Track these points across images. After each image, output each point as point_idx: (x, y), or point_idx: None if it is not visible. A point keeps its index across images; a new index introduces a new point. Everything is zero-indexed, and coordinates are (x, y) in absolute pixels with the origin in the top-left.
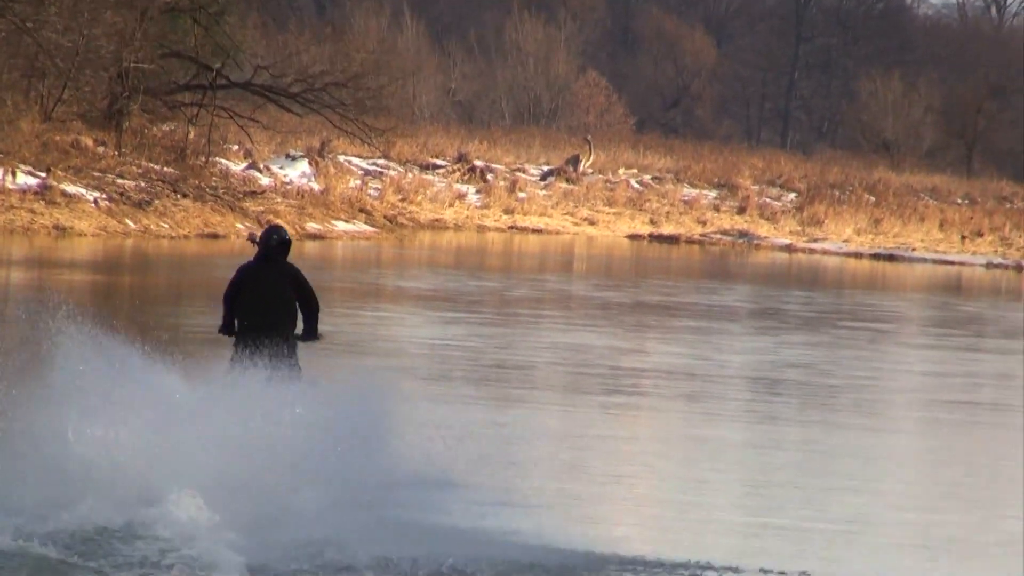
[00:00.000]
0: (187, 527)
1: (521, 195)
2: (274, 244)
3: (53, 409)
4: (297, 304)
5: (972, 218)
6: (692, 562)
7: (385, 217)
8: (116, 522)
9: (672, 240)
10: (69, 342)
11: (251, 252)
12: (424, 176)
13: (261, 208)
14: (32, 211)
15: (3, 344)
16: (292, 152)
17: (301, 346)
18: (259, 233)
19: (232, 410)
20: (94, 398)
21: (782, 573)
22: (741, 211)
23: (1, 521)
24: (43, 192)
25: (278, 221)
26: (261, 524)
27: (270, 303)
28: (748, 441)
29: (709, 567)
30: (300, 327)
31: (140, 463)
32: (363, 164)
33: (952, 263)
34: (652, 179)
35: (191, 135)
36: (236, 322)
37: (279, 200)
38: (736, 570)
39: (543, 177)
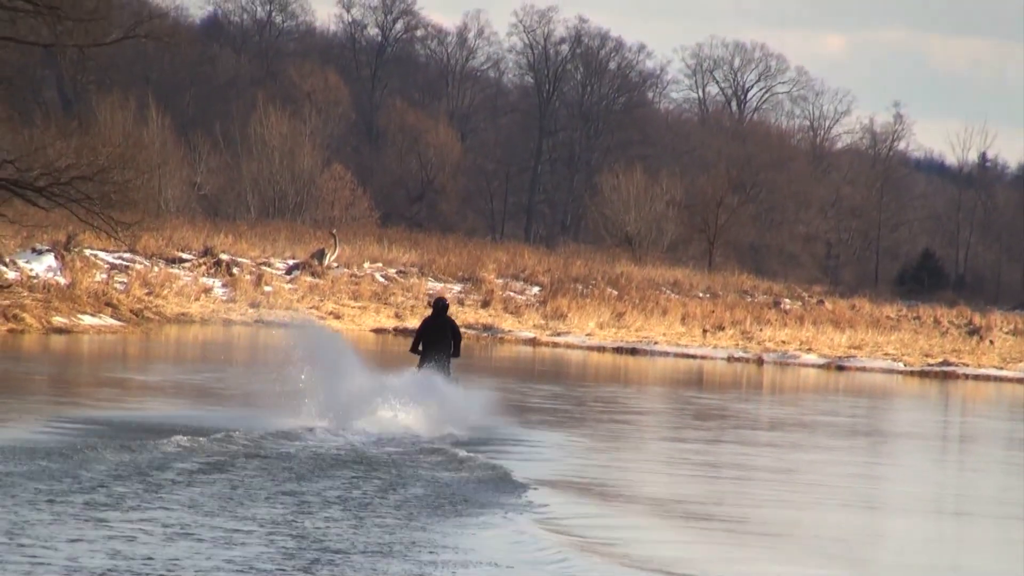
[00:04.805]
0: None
1: (267, 289)
2: (440, 307)
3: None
4: (451, 339)
5: (713, 312)
6: None
7: (131, 311)
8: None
9: None
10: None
11: None
12: (170, 270)
13: (7, 302)
14: None
15: None
16: (38, 246)
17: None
18: (433, 299)
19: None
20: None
21: None
22: (485, 304)
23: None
24: None
25: (443, 295)
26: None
27: (438, 339)
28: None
29: None
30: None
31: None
32: (109, 258)
33: (694, 356)
34: (397, 273)
35: None
36: (421, 346)
37: (25, 294)
38: None
39: (289, 271)
